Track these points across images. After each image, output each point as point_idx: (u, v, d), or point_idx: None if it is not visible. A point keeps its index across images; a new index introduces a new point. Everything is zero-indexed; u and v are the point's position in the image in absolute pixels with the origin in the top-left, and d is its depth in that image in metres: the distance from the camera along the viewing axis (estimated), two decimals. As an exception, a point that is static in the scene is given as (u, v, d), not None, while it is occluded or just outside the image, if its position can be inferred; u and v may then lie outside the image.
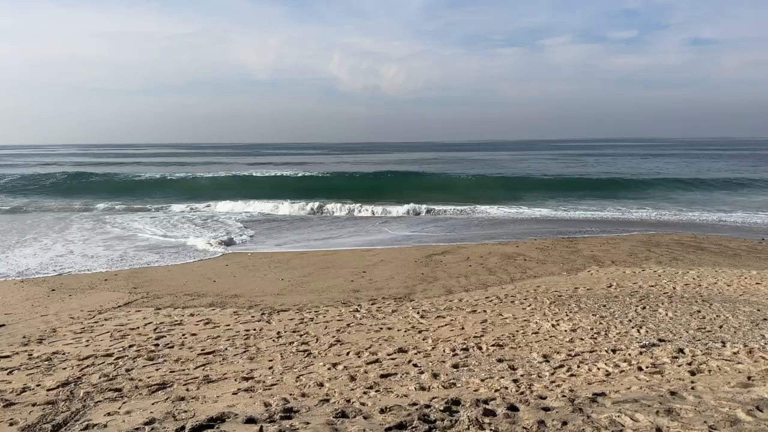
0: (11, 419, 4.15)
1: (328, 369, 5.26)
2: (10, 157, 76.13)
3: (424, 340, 6.27)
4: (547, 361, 5.32)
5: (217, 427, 3.78)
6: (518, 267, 11.10)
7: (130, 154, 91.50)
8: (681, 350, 5.46)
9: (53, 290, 9.59)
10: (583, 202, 25.42)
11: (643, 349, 5.55)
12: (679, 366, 4.97)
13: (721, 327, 6.43)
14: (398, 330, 6.74)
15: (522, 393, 4.39)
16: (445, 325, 6.94)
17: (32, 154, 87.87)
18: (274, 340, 6.38)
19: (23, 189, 31.92)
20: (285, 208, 23.83)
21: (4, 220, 20.10)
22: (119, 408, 4.32)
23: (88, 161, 60.47)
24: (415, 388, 4.61)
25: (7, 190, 31.57)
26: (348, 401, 4.31)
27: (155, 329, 6.98)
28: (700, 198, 26.81)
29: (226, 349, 6.07)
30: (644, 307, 7.49)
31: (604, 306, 7.64)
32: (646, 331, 6.29)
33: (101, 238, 16.20)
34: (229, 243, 15.24)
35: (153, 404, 4.36)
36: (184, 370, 5.35)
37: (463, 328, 6.72)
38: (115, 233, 17.08)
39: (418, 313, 7.61)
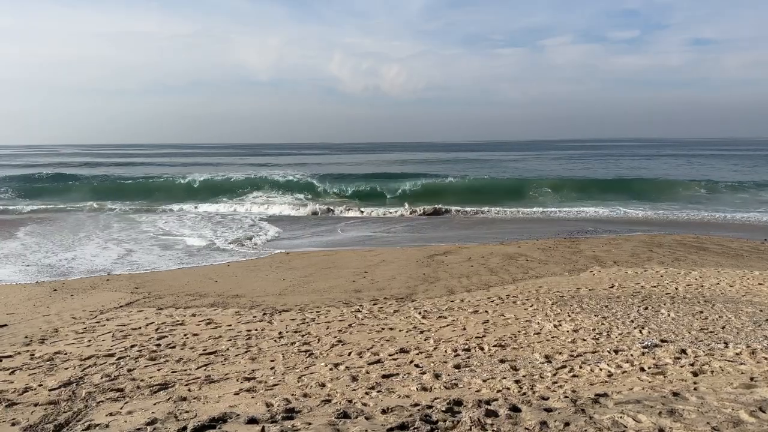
0: (13, 419, 4.16)
1: (330, 369, 5.26)
2: (11, 157, 76.16)
3: (425, 340, 6.26)
4: (549, 362, 5.31)
5: (219, 428, 3.79)
6: (520, 267, 11.09)
7: (132, 154, 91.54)
8: (683, 351, 5.45)
9: (55, 290, 9.61)
10: (584, 202, 25.39)
11: (646, 350, 5.54)
12: (681, 367, 4.96)
13: (723, 328, 6.42)
14: (400, 330, 6.74)
15: (524, 394, 4.38)
16: (447, 325, 6.94)
17: (34, 154, 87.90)
18: (275, 341, 6.38)
19: (31, 190, 31.72)
20: (281, 208, 24.24)
21: (39, 222, 19.86)
22: (121, 408, 4.32)
23: (89, 161, 60.49)
24: (417, 389, 4.60)
25: (18, 191, 31.40)
26: (350, 401, 4.30)
27: (157, 329, 6.98)
28: (702, 198, 26.75)
29: (227, 349, 6.07)
30: (646, 308, 7.48)
31: (606, 306, 7.63)
32: (649, 332, 6.28)
33: (146, 236, 16.49)
34: (268, 242, 15.87)
35: (155, 404, 4.36)
36: (185, 370, 5.35)
37: (464, 329, 6.71)
38: (152, 232, 17.31)
39: (419, 313, 7.61)
